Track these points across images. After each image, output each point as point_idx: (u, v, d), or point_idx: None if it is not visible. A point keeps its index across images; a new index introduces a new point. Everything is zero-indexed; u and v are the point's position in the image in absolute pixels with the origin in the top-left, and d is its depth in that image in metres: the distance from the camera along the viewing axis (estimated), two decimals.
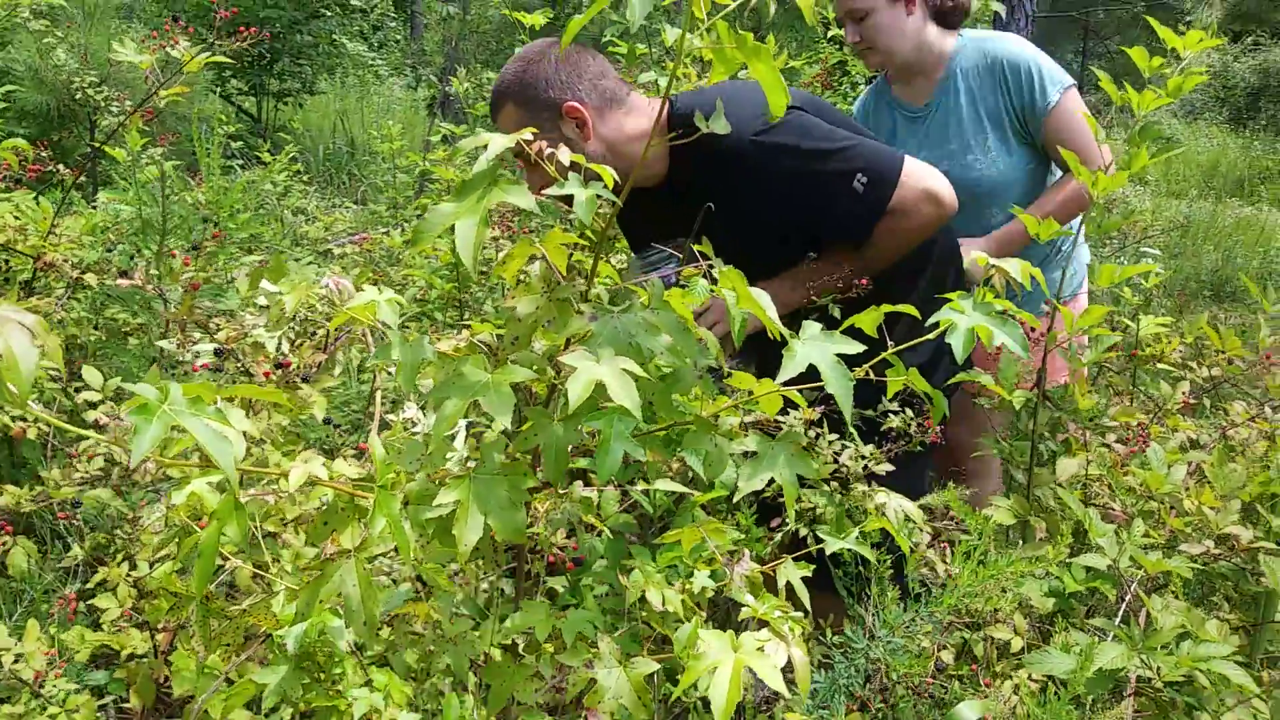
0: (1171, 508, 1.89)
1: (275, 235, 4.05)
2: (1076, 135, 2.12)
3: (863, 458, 1.58)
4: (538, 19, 3.09)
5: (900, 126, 2.38)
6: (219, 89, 7.21)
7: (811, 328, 1.09)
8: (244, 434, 0.80)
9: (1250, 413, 2.18)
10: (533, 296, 1.05)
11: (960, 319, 1.08)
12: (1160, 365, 2.33)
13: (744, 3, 0.93)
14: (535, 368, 1.02)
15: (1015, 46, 2.19)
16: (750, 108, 1.68)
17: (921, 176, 1.74)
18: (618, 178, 1.04)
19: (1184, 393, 2.24)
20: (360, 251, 3.43)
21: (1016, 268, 1.14)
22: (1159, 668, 1.44)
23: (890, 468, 1.60)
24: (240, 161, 5.87)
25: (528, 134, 0.98)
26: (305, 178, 5.64)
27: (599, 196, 0.97)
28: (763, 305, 1.06)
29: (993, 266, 1.16)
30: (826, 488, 1.55)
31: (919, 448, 1.69)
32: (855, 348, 1.09)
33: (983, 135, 2.23)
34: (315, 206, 5.14)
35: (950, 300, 1.12)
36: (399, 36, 10.84)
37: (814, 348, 1.06)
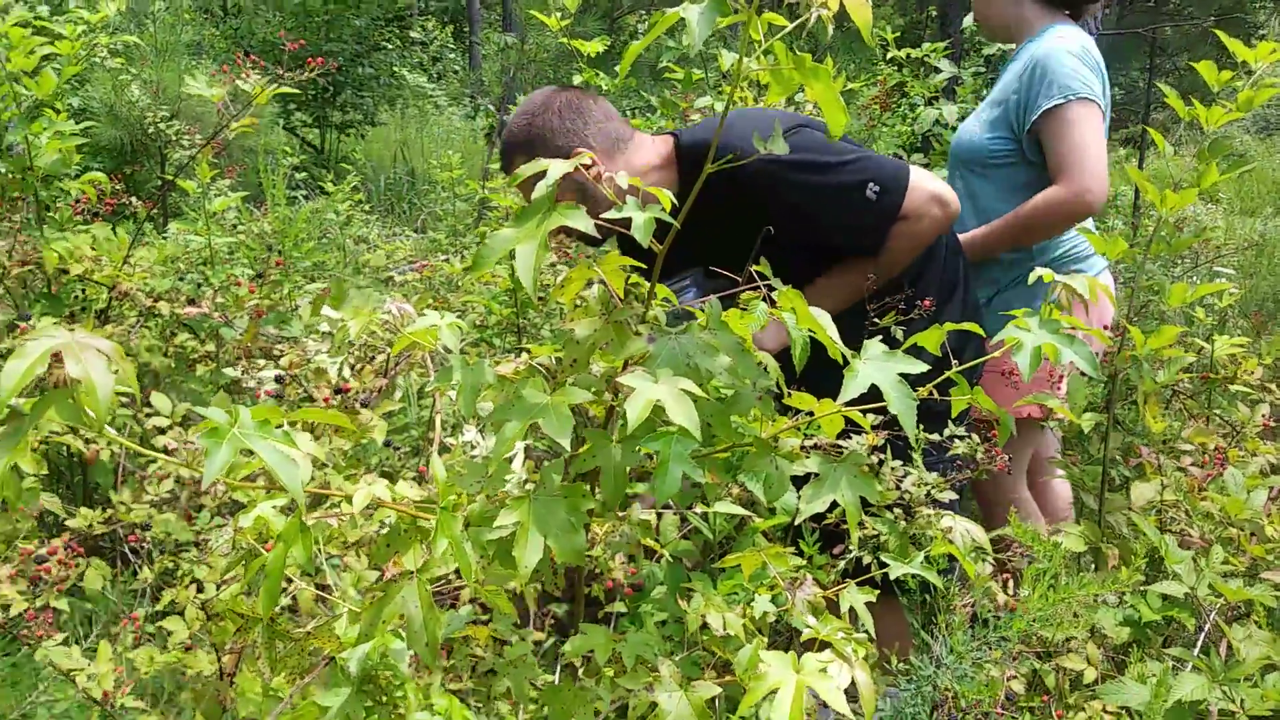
0: (1252, 534, 1.82)
1: (338, 263, 4.14)
2: (1062, 145, 2.11)
3: (926, 484, 1.55)
4: (595, 46, 3.12)
5: None
6: (283, 121, 7.42)
7: (874, 347, 1.08)
8: (309, 457, 0.82)
9: None
10: (591, 319, 1.05)
11: (1027, 337, 1.05)
12: (1236, 387, 2.26)
13: (800, 24, 0.92)
14: (594, 390, 1.02)
15: (1059, 44, 2.18)
16: (761, 129, 1.70)
17: (926, 181, 1.81)
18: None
19: (1263, 415, 2.17)
20: (421, 278, 3.48)
21: (1084, 284, 1.11)
22: (1243, 700, 1.39)
23: (954, 496, 1.57)
24: (304, 192, 6.01)
25: (586, 159, 0.98)
26: (367, 207, 5.75)
27: (657, 219, 0.97)
28: (824, 325, 1.05)
29: (1059, 283, 1.13)
30: (889, 514, 1.53)
31: (984, 475, 1.66)
32: (919, 367, 1.07)
33: (989, 107, 2.31)
34: (376, 235, 5.24)
35: (1014, 317, 1.10)
36: (457, 67, 11.05)
37: (875, 368, 1.05)
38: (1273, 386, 2.33)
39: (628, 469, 1.00)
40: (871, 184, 1.76)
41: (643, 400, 0.89)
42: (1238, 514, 1.78)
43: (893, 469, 1.56)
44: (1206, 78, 1.79)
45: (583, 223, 0.93)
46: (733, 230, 1.81)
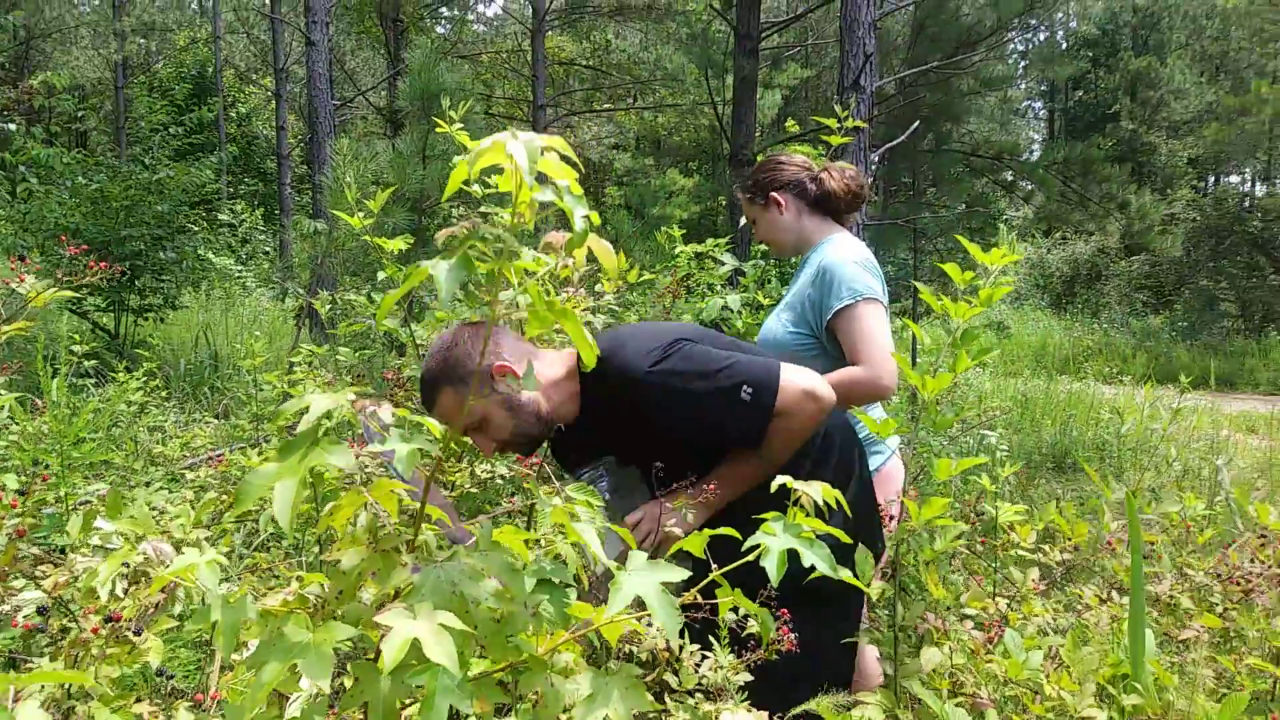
0: (1035, 693, 1.94)
1: (127, 457, 3.90)
2: (855, 339, 2.41)
3: (722, 668, 1.58)
4: (398, 244, 3.19)
5: None
6: (74, 307, 7.06)
7: (638, 558, 1.13)
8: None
9: (1101, 595, 2.30)
10: (358, 548, 1.05)
11: (773, 541, 1.13)
12: (1012, 552, 2.45)
13: (549, 270, 1.01)
14: (362, 622, 1.01)
15: (840, 254, 2.49)
16: (647, 343, 1.96)
17: (798, 379, 1.97)
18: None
19: (1034, 578, 2.36)
20: (215, 473, 3.32)
21: (818, 490, 1.21)
22: None
23: (749, 678, 1.61)
24: (94, 380, 5.68)
25: (357, 398, 1.01)
26: (164, 393, 5.49)
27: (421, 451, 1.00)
28: (588, 540, 1.10)
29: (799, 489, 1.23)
30: (690, 700, 1.54)
31: (775, 655, 1.71)
32: (680, 575, 1.12)
33: (785, 310, 2.61)
34: (173, 424, 4.98)
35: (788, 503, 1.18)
36: (268, 248, 10.93)
37: (640, 578, 1.09)
38: (1046, 548, 2.55)
39: (397, 702, 0.98)
40: (746, 386, 1.92)
41: (398, 640, 0.89)
42: (1018, 675, 1.90)
43: (690, 653, 1.59)
44: (954, 277, 2.05)
45: (344, 459, 0.95)
46: (631, 430, 1.99)
